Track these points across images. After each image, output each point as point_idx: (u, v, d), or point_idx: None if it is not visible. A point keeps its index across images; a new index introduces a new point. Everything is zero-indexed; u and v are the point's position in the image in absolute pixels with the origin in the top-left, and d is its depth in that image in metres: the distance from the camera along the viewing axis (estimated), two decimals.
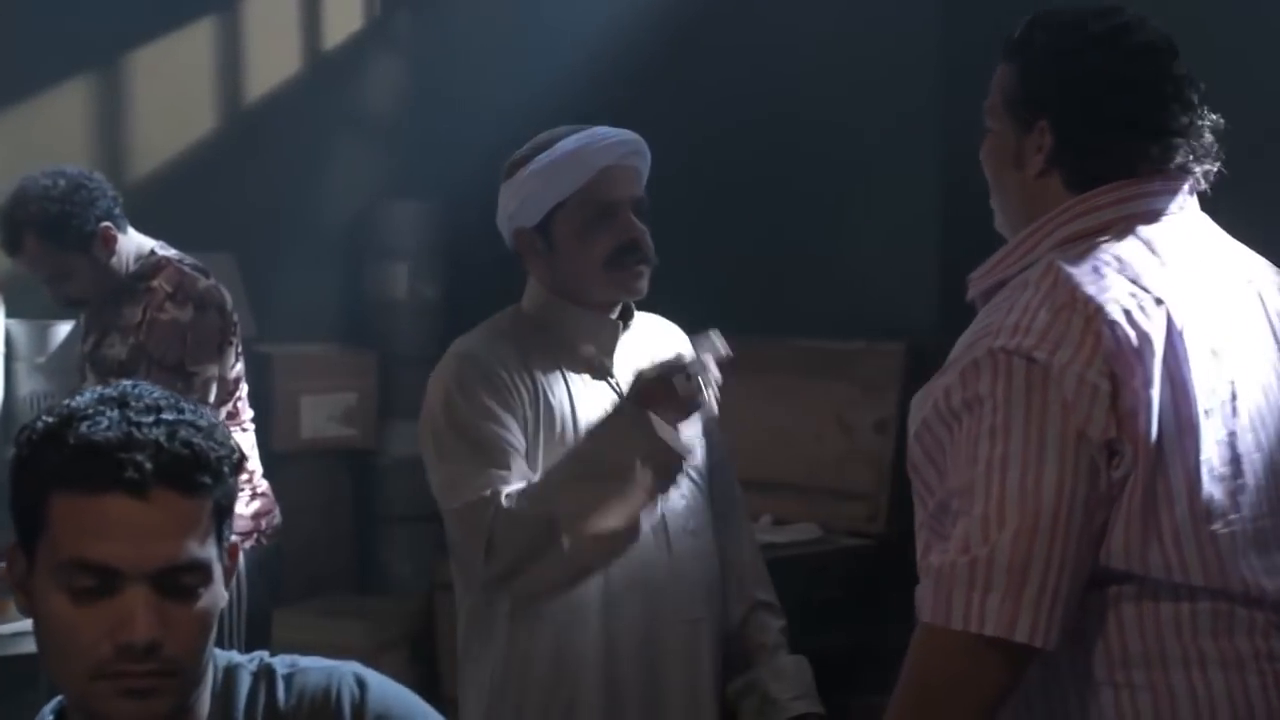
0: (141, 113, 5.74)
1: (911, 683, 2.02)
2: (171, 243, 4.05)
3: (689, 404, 2.72)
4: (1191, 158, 2.12)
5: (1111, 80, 2.09)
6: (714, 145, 5.32)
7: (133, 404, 1.66)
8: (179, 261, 3.93)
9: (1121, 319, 1.98)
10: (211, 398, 3.82)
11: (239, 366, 3.96)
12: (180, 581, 1.64)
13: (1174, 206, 2.12)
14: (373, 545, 6.05)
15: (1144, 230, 2.09)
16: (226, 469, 1.69)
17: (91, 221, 3.83)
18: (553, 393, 2.76)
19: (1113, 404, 1.95)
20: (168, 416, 1.65)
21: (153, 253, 3.94)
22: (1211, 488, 2.01)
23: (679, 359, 2.75)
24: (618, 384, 2.80)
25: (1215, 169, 2.15)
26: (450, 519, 2.75)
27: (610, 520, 2.65)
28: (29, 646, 3.47)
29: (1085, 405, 1.94)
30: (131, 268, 3.91)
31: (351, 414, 5.88)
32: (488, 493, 2.65)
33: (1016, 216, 2.17)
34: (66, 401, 1.69)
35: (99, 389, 1.70)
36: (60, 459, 1.63)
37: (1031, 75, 2.14)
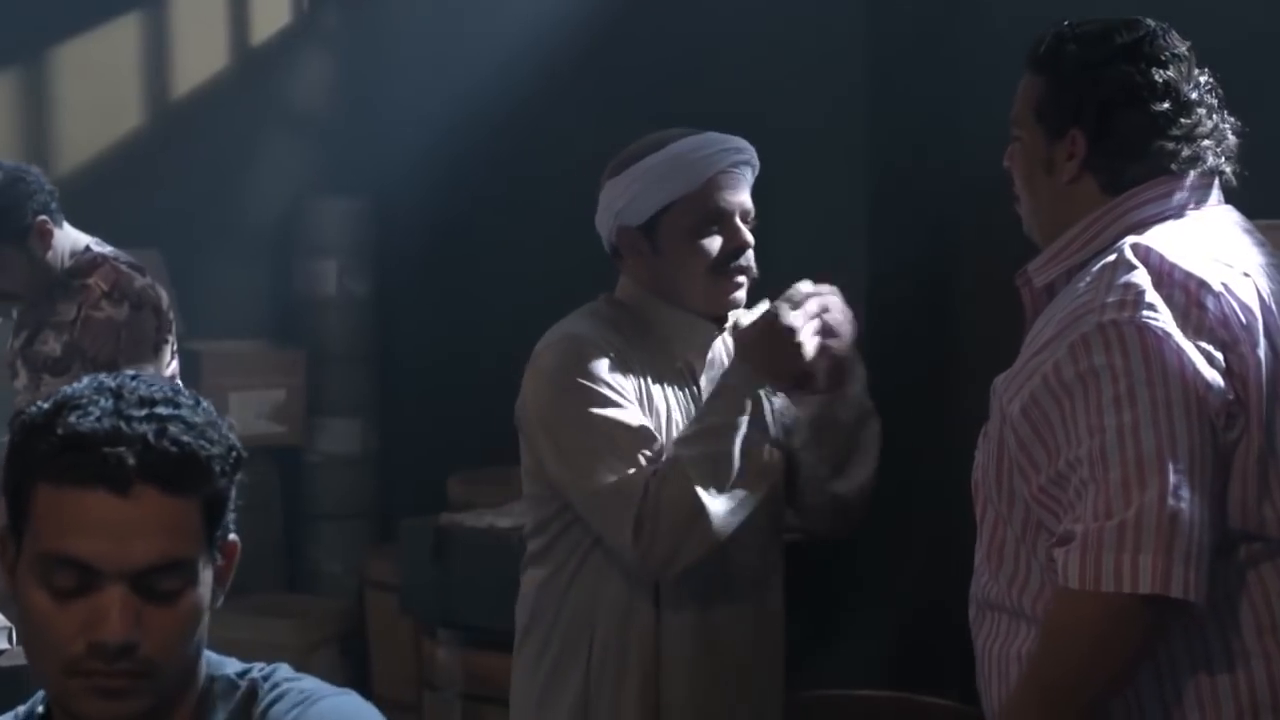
0: (67, 108, 5.69)
1: (1057, 648, 2.06)
2: (98, 239, 4.02)
3: (794, 349, 2.66)
4: (1220, 160, 2.25)
5: (1141, 88, 2.21)
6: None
7: (127, 395, 1.61)
8: (115, 259, 3.90)
9: (1223, 290, 2.08)
10: None
11: (174, 365, 3.95)
12: (160, 583, 1.60)
13: (1213, 200, 2.25)
14: (302, 543, 6.03)
15: (1199, 217, 2.21)
16: (219, 468, 1.63)
17: (28, 215, 3.80)
18: (645, 390, 2.74)
19: (1228, 367, 2.05)
20: (161, 410, 1.61)
21: (88, 249, 3.91)
22: None
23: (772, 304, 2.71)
24: (700, 395, 2.77)
25: (1236, 169, 2.28)
26: (586, 506, 2.69)
27: (745, 487, 2.66)
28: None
29: (1204, 371, 2.03)
30: (66, 263, 3.88)
31: (280, 411, 5.86)
32: (631, 472, 2.62)
33: (1049, 218, 2.29)
34: (64, 388, 1.65)
35: (98, 376, 1.66)
36: (46, 449, 1.60)
37: (1063, 86, 2.25)
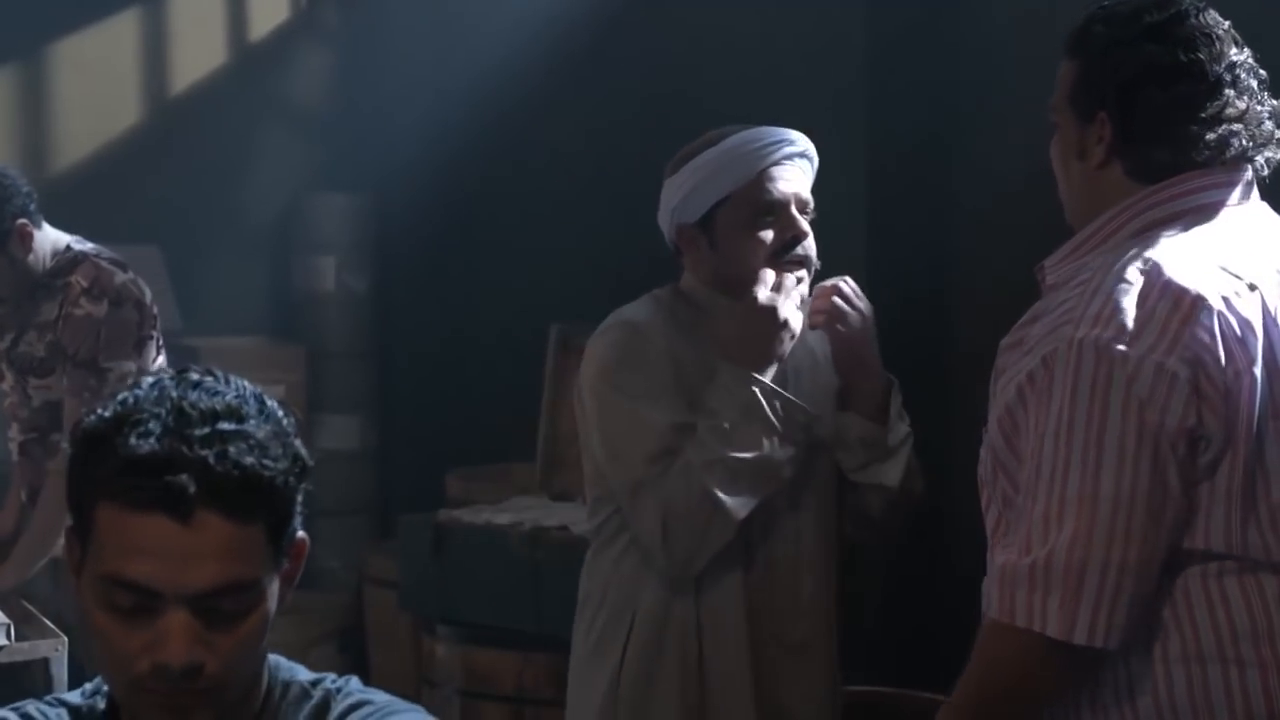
0: (66, 105, 5.69)
1: (977, 677, 2.08)
2: (97, 236, 4.01)
3: (778, 328, 2.71)
4: (1250, 144, 2.16)
5: (1166, 69, 2.14)
6: (640, 136, 5.31)
7: (188, 408, 1.56)
8: (96, 256, 3.89)
9: (1220, 305, 2.03)
10: None
11: (161, 360, 3.93)
12: (224, 604, 1.57)
13: (1235, 197, 2.17)
14: None
15: (1220, 219, 2.14)
16: (283, 483, 1.59)
17: (6, 219, 3.78)
18: (703, 382, 2.76)
19: (1194, 390, 1.99)
20: (224, 427, 1.56)
21: (69, 248, 3.90)
22: None
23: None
24: (762, 387, 2.78)
25: (1277, 155, 2.19)
26: (621, 498, 2.76)
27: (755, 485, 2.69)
28: None
29: (1162, 395, 1.99)
30: (49, 264, 3.86)
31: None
32: (658, 473, 2.68)
33: (1080, 206, 2.23)
34: (124, 395, 1.60)
35: (163, 379, 1.61)
36: (106, 470, 1.56)
37: (1090, 68, 2.19)
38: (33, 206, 3.84)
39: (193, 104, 5.97)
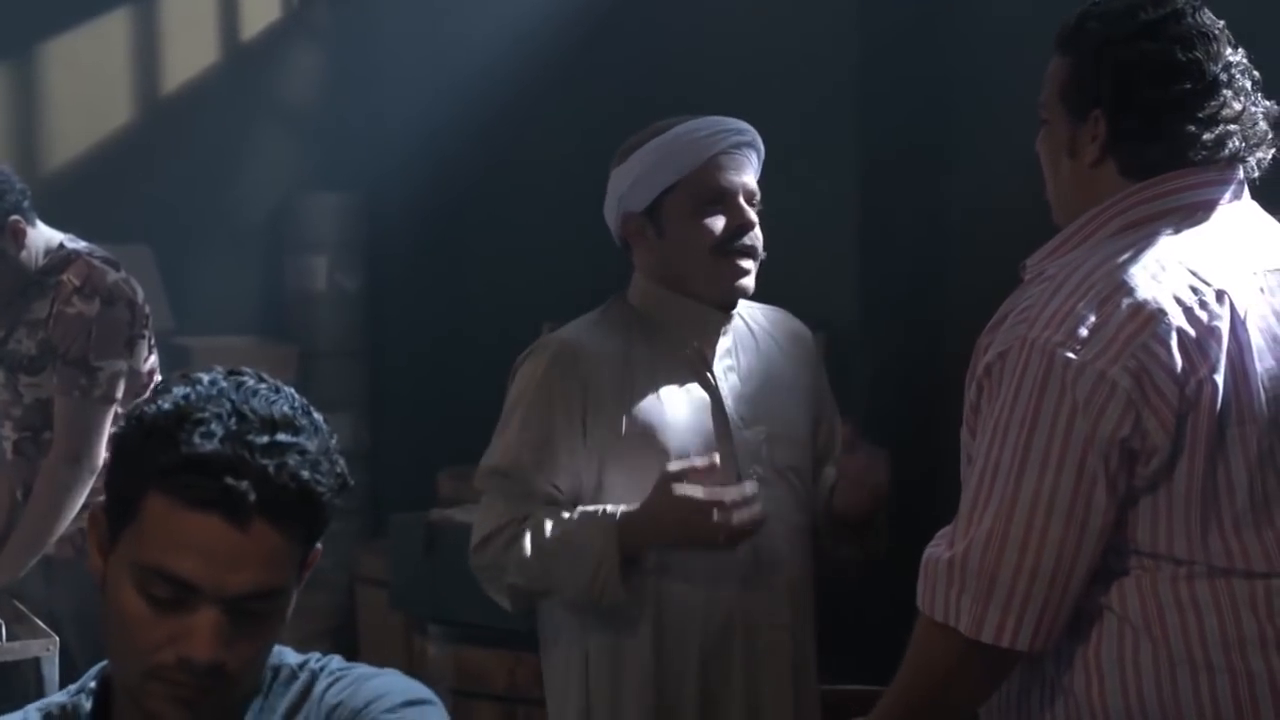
0: (57, 104, 5.68)
1: (908, 668, 2.10)
2: (88, 235, 4.01)
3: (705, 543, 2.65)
4: (1244, 145, 2.14)
5: (1161, 67, 2.12)
6: (631, 134, 5.32)
7: (249, 414, 1.60)
8: (89, 254, 3.88)
9: (1180, 316, 2.00)
10: (119, 393, 3.78)
11: (153, 360, 3.92)
12: (254, 607, 1.61)
13: (1228, 196, 2.15)
14: None
15: (1201, 220, 2.12)
16: (328, 497, 1.66)
17: (0, 215, 3.78)
18: (647, 390, 2.74)
19: (1136, 401, 1.98)
20: (282, 438, 1.61)
21: (62, 246, 3.89)
22: (1273, 475, 2.04)
23: (733, 489, 2.66)
24: (715, 381, 2.77)
25: (1268, 156, 2.18)
26: (478, 483, 2.90)
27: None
28: None
29: (1099, 403, 1.98)
30: (41, 262, 3.86)
31: None
32: (501, 507, 2.80)
33: (1070, 204, 2.20)
34: (183, 390, 1.63)
35: (219, 378, 1.64)
36: (166, 462, 1.59)
37: (1084, 65, 2.16)
38: (26, 204, 3.84)
39: (184, 103, 5.97)
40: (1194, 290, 2.04)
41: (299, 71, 6.27)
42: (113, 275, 3.85)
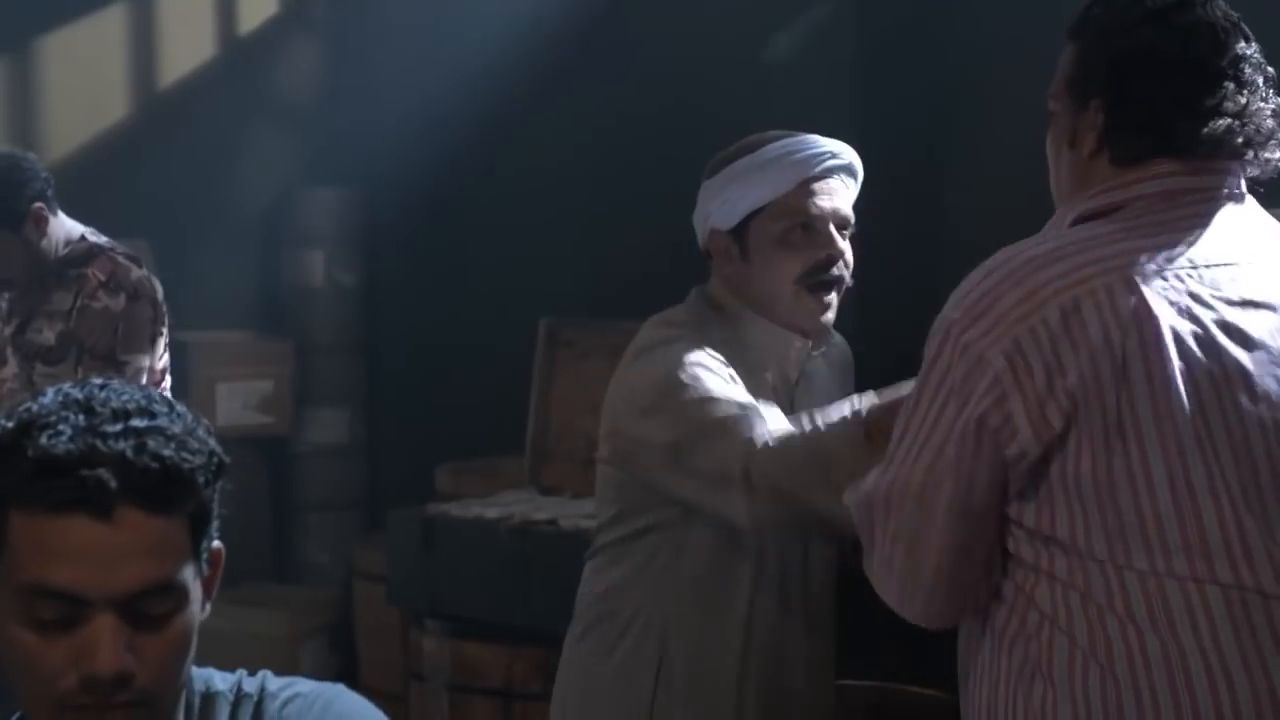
0: (54, 98, 5.68)
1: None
2: (93, 229, 4.02)
3: None
4: (1245, 140, 2.06)
5: (1162, 58, 2.05)
6: (627, 130, 5.32)
7: (98, 409, 1.51)
8: (111, 250, 3.91)
9: (1088, 304, 1.94)
10: None
11: (166, 357, 3.96)
12: (150, 607, 1.51)
13: (1212, 189, 2.07)
14: (290, 534, 6.03)
15: (1159, 211, 2.04)
16: (203, 478, 1.54)
17: (24, 202, 3.80)
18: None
19: (1004, 383, 1.95)
20: (137, 423, 1.51)
21: (83, 238, 3.91)
22: (1200, 473, 1.96)
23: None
24: (794, 409, 2.61)
25: (1278, 156, 2.09)
26: (700, 459, 2.49)
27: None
28: None
29: (972, 383, 1.98)
30: (60, 252, 3.88)
31: (268, 402, 5.86)
32: (747, 433, 2.44)
33: (1064, 194, 2.16)
34: (28, 404, 1.54)
35: (64, 388, 1.56)
36: (18, 475, 1.49)
37: (1087, 53, 2.11)
38: (50, 192, 3.86)
39: (181, 98, 5.96)
40: (1102, 277, 1.96)
41: (296, 66, 6.26)
42: (136, 272, 3.88)
